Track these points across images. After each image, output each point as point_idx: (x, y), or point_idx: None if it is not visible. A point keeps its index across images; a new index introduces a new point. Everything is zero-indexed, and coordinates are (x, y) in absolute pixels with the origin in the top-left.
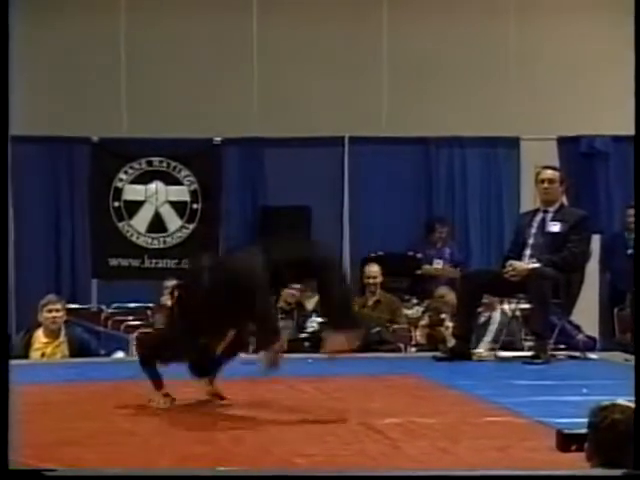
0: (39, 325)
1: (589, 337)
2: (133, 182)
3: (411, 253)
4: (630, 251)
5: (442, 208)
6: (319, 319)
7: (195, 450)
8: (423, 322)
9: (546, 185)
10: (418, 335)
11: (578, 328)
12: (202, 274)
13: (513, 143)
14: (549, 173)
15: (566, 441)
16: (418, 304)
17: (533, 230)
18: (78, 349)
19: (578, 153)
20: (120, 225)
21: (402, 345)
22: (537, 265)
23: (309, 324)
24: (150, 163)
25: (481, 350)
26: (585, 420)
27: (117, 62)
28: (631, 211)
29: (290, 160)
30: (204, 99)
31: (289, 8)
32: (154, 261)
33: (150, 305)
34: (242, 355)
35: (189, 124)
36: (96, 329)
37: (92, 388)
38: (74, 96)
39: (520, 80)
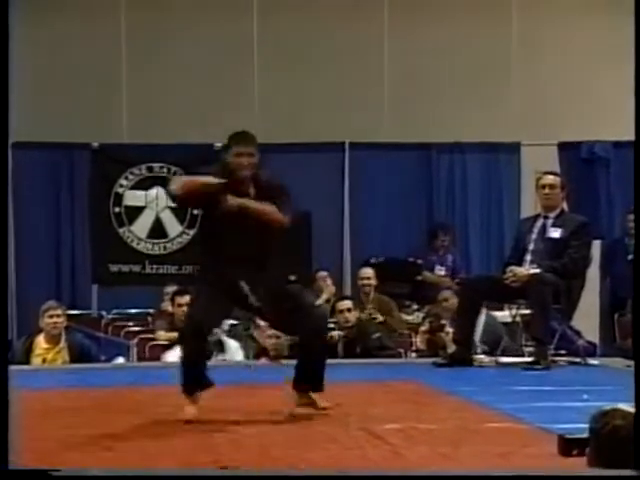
0: (40, 331)
1: (590, 343)
2: (133, 188)
3: (412, 259)
4: (630, 257)
5: (443, 214)
6: None
7: (196, 455)
8: (423, 328)
9: (547, 191)
10: (418, 341)
11: (579, 334)
12: None
13: (514, 149)
14: (550, 179)
15: (568, 446)
16: (418, 310)
17: (534, 236)
18: (79, 355)
19: (579, 159)
20: (120, 231)
21: (402, 351)
22: (537, 271)
23: None
24: (150, 169)
25: (481, 356)
26: (586, 426)
27: (117, 68)
28: (631, 217)
29: (290, 166)
30: (205, 105)
31: (290, 13)
32: (154, 267)
33: (151, 311)
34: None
35: (190, 130)
36: (96, 335)
37: (93, 394)
38: (74, 102)
39: (521, 86)
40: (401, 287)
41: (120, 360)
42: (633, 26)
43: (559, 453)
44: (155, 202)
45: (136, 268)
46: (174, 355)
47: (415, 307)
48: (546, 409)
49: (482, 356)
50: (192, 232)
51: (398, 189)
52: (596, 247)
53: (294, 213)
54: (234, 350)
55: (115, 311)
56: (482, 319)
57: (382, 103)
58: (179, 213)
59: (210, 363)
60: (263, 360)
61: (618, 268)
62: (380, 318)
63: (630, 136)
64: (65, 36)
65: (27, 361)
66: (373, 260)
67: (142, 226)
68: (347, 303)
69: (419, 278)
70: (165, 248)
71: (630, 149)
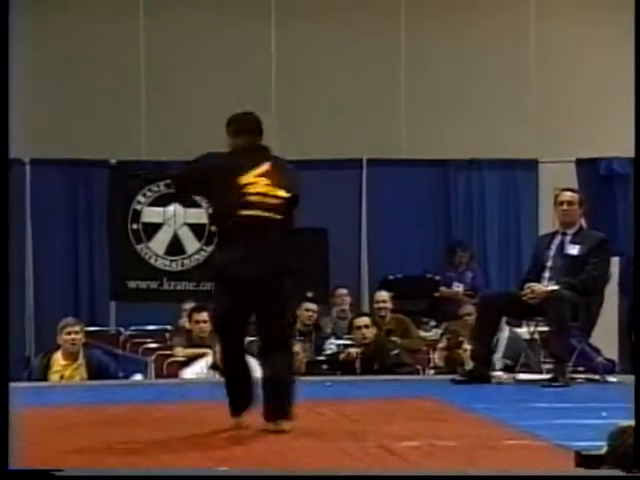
0: (58, 347)
1: (608, 360)
2: (151, 204)
3: (429, 275)
4: None
5: (460, 230)
6: (337, 341)
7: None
8: (441, 345)
9: (565, 207)
10: (436, 358)
11: (597, 351)
12: None
13: (532, 165)
14: (568, 195)
15: (585, 462)
16: (436, 326)
17: (552, 252)
18: (96, 371)
19: (597, 175)
20: (138, 247)
21: (420, 368)
22: (556, 287)
23: (327, 346)
24: (168, 186)
25: (500, 373)
26: (604, 443)
27: (136, 84)
28: None
29: (308, 182)
30: (221, 121)
31: (308, 29)
32: (172, 283)
33: (168, 327)
34: None
35: (207, 146)
36: (114, 352)
37: (110, 411)
38: (92, 118)
39: (538, 102)
40: (419, 304)
41: (138, 377)
42: (633, 26)
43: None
44: (173, 219)
45: (154, 285)
46: (192, 372)
47: (433, 324)
48: (564, 426)
49: (500, 373)
50: (210, 249)
51: (416, 206)
52: (614, 264)
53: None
54: (252, 367)
55: (133, 328)
56: (505, 334)
57: (400, 119)
58: (197, 230)
59: None
60: None
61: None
62: (398, 340)
63: None
64: (83, 52)
65: (45, 378)
66: (391, 277)
67: (160, 243)
68: (365, 320)
69: (437, 295)
70: (183, 264)
71: None
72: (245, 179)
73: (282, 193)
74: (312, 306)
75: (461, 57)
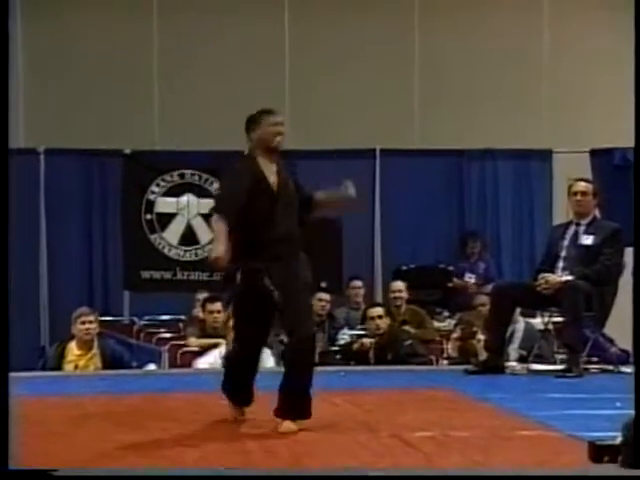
0: (72, 337)
1: (622, 350)
2: (165, 195)
3: (443, 265)
4: None
5: (474, 220)
6: (351, 331)
7: (227, 461)
8: (455, 335)
9: (579, 197)
10: (450, 348)
11: (611, 341)
12: None
13: (546, 155)
14: (582, 185)
15: (599, 453)
16: (450, 317)
17: (566, 243)
18: (110, 361)
19: (611, 165)
20: (152, 237)
21: (434, 358)
22: (570, 278)
23: (340, 336)
24: (182, 176)
25: (513, 363)
26: (618, 434)
27: (149, 74)
28: None
29: (321, 172)
30: (235, 111)
31: (321, 19)
32: (186, 273)
33: (182, 317)
34: None
35: (221, 136)
36: (128, 341)
37: (124, 400)
38: (106, 108)
39: (552, 92)
40: (432, 294)
41: (152, 367)
42: (633, 25)
43: (590, 460)
44: (186, 209)
45: (167, 275)
46: (205, 362)
47: (446, 314)
48: (578, 417)
49: (514, 363)
50: None
51: (429, 196)
52: (629, 254)
53: None
54: (266, 357)
55: (147, 317)
56: (521, 326)
57: (413, 109)
58: (210, 220)
59: None
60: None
61: None
62: (412, 331)
63: None
64: (97, 43)
65: (59, 367)
66: (404, 267)
67: (174, 233)
68: (378, 310)
69: (450, 285)
70: (196, 255)
71: None
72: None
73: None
74: (325, 296)
75: (475, 47)
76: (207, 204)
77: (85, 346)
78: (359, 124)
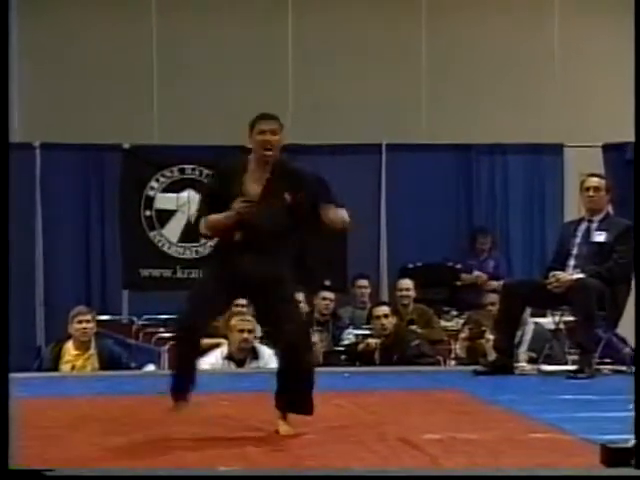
0: (69, 337)
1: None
2: (165, 190)
3: (450, 263)
4: None
5: (483, 217)
6: (356, 331)
7: (228, 462)
8: (463, 335)
9: (591, 193)
10: (458, 348)
11: (624, 341)
12: None
13: (557, 150)
14: (594, 181)
15: (611, 456)
16: (458, 316)
17: (577, 240)
18: (108, 362)
19: (624, 160)
20: (152, 235)
21: (441, 358)
22: (582, 276)
23: (345, 336)
24: (182, 171)
25: (523, 364)
26: (631, 436)
27: (149, 68)
28: None
29: (325, 168)
30: (236, 105)
31: (325, 11)
32: (186, 271)
33: None
34: None
35: (222, 131)
36: (127, 341)
37: (122, 402)
38: (105, 102)
39: (564, 85)
40: (439, 293)
41: (151, 367)
42: (634, 26)
43: (602, 463)
44: (187, 205)
45: (167, 273)
46: (206, 362)
47: (454, 313)
48: (590, 419)
49: (524, 364)
50: None
51: (437, 192)
52: None
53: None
54: (267, 357)
55: (146, 317)
56: (530, 328)
57: (420, 102)
58: None
59: (243, 370)
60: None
61: None
62: (419, 331)
63: None
64: (95, 36)
65: (56, 368)
66: (411, 265)
67: (173, 230)
68: (384, 309)
69: (458, 283)
70: (197, 252)
71: None
72: None
73: None
74: (329, 295)
75: (484, 40)
76: None
77: (82, 346)
78: (364, 118)
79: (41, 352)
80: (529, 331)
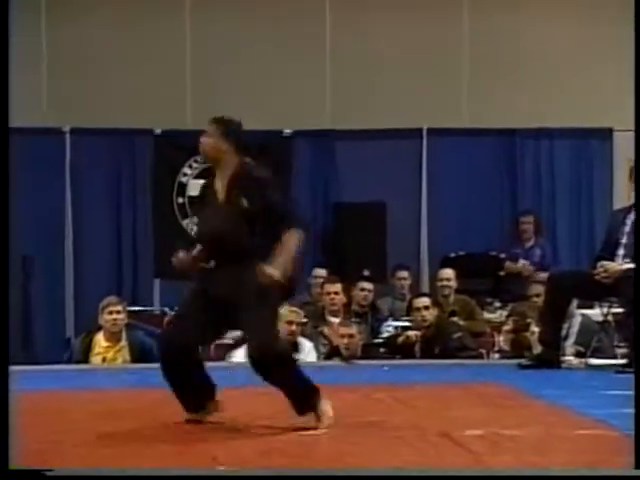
0: (99, 328)
1: None
2: (198, 177)
3: (494, 253)
4: None
5: (528, 205)
6: (395, 323)
7: (261, 460)
8: (507, 327)
9: None
10: (501, 341)
11: None
12: None
13: (605, 134)
14: None
15: None
16: (501, 307)
17: (627, 228)
18: (139, 354)
19: None
20: (184, 222)
21: (484, 351)
22: (631, 266)
23: (384, 328)
24: None
25: (570, 357)
26: None
27: (182, 52)
28: None
29: (364, 153)
30: (273, 88)
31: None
32: None
33: None
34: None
35: (257, 115)
36: (158, 333)
37: (154, 395)
38: (136, 86)
39: (613, 67)
40: (482, 283)
41: None
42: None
43: None
44: None
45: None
46: (240, 355)
47: (498, 305)
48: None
49: (571, 358)
50: None
51: (479, 178)
52: None
53: (298, 216)
54: (307, 351)
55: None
56: (578, 320)
57: (461, 86)
58: None
59: None
60: (335, 360)
61: None
62: (461, 323)
63: None
64: (128, 20)
65: (86, 360)
66: (452, 255)
67: None
68: (424, 300)
69: (502, 273)
70: None
71: None
72: None
73: None
74: (368, 285)
75: (528, 22)
76: None
77: (113, 338)
78: (404, 102)
79: (71, 344)
80: (576, 323)
